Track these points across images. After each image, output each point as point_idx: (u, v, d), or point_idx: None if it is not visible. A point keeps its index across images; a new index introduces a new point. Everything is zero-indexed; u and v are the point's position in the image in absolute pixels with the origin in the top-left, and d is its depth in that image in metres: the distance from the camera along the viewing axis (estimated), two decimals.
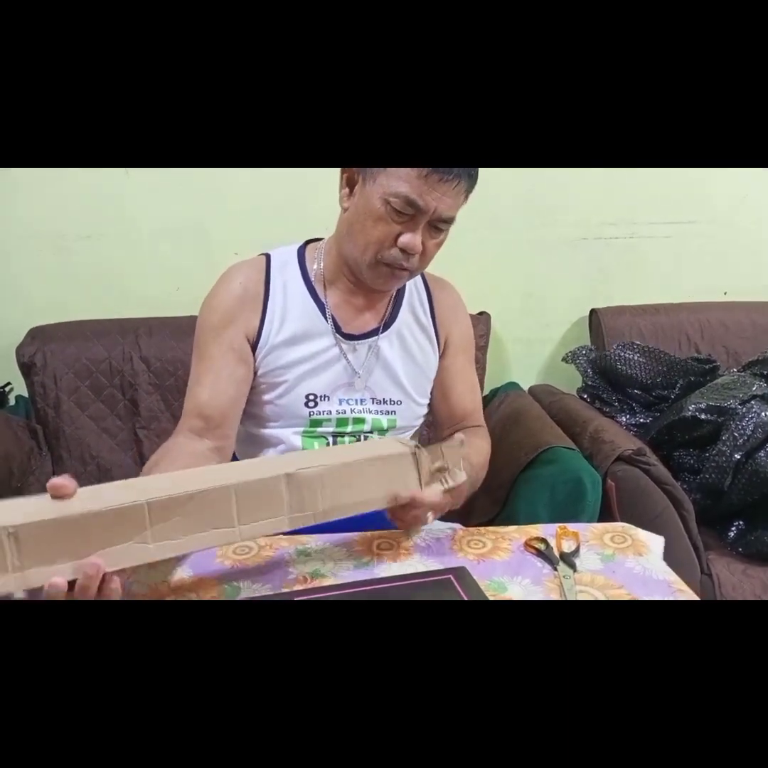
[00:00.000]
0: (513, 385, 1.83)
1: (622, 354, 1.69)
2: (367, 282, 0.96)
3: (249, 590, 0.75)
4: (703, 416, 1.42)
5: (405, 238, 0.88)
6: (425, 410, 1.10)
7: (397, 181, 0.85)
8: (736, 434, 1.35)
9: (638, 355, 1.68)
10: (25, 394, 1.74)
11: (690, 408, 1.43)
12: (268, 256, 1.02)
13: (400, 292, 1.05)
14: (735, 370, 1.67)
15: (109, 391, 1.70)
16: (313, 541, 0.85)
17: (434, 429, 1.15)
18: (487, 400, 1.86)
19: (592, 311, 1.90)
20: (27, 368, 1.68)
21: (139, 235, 1.79)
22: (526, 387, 1.86)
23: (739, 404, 1.39)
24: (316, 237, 1.05)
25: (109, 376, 1.69)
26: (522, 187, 1.80)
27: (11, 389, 1.82)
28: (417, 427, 1.12)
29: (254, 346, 0.97)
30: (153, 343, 1.68)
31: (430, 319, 1.06)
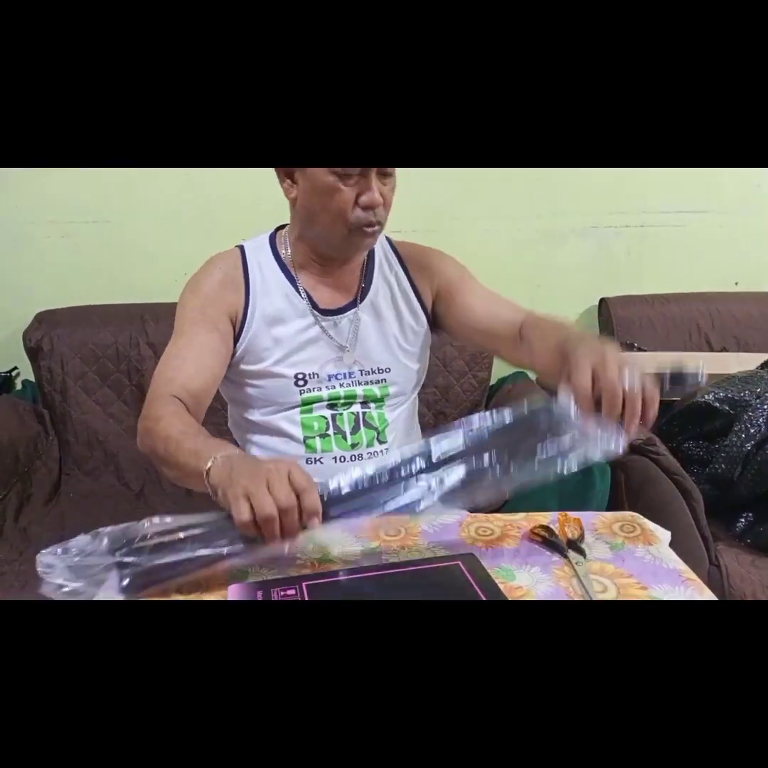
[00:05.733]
0: (521, 375, 1.83)
1: None
2: (344, 254, 0.97)
3: (256, 575, 0.74)
4: (717, 405, 1.41)
5: (365, 197, 0.89)
6: (415, 375, 1.08)
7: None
8: (748, 425, 1.35)
9: None
10: (32, 378, 1.74)
11: (706, 396, 1.43)
12: (241, 246, 1.04)
13: (370, 262, 1.05)
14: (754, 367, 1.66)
15: (115, 377, 1.70)
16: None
17: (509, 348, 1.00)
18: (495, 390, 1.85)
19: (602, 301, 1.89)
20: (34, 352, 1.68)
21: (146, 221, 1.78)
22: (534, 377, 1.85)
23: (755, 398, 1.39)
24: (285, 223, 1.06)
25: (115, 361, 1.69)
26: (531, 176, 1.78)
27: (18, 373, 1.82)
28: (413, 396, 1.11)
29: (241, 327, 0.99)
30: (159, 329, 1.67)
31: (407, 282, 1.05)
